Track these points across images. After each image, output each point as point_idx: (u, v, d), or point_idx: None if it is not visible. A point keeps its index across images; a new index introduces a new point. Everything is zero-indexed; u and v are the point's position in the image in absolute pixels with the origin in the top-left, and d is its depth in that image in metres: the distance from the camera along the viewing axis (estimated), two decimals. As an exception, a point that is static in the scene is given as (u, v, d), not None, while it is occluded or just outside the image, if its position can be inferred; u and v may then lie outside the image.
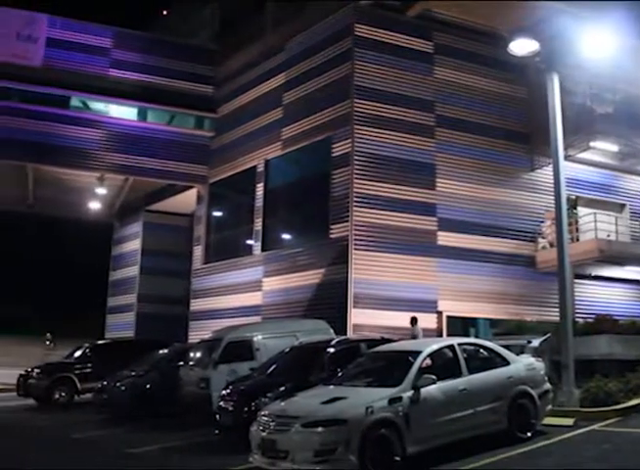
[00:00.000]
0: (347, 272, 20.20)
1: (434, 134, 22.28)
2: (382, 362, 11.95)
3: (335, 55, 22.46)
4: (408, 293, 20.76)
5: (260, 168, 25.51)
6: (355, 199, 20.73)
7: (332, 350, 13.92)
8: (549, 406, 12.08)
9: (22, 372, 22.89)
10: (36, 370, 22.56)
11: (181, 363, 17.39)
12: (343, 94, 21.78)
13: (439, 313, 21.13)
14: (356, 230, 20.54)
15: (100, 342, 26.03)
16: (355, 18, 21.98)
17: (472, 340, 14.98)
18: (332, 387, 11.02)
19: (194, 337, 26.04)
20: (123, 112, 28.65)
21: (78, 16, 28.60)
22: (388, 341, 14.39)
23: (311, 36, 23.86)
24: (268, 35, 26.32)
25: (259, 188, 25.40)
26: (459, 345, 11.53)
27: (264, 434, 9.97)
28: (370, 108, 21.49)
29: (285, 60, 25.06)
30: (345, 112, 21.59)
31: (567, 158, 16.57)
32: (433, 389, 10.33)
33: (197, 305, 27.90)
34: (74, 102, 28.04)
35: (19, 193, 32.18)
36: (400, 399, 9.98)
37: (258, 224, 25.13)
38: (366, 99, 21.49)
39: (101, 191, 29.80)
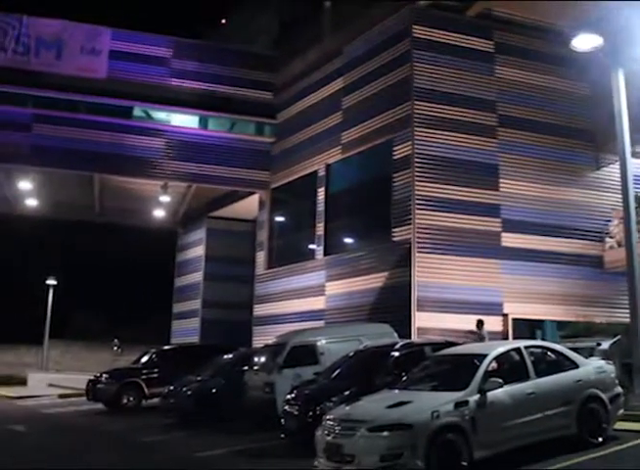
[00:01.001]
0: (410, 275, 20.04)
1: (497, 134, 21.96)
2: (447, 366, 11.82)
3: (393, 57, 22.36)
4: (472, 295, 20.48)
5: (321, 173, 25.55)
6: (417, 201, 20.59)
7: (396, 353, 13.83)
8: (620, 411, 11.74)
9: (92, 377, 23.40)
10: (105, 375, 23.03)
11: (246, 368, 17.54)
12: (403, 96, 21.65)
13: (505, 316, 20.78)
14: (419, 233, 20.38)
15: (166, 347, 26.43)
16: (413, 19, 21.84)
17: (539, 342, 14.71)
18: (397, 391, 10.95)
19: (258, 342, 26.20)
20: (185, 120, 29.07)
21: (139, 28, 29.16)
22: (453, 344, 14.21)
23: (369, 39, 23.81)
24: (326, 40, 26.37)
25: (321, 192, 25.43)
26: (526, 347, 11.32)
27: (329, 438, 9.95)
28: (430, 109, 21.31)
29: (343, 64, 25.06)
30: (405, 114, 21.47)
31: (634, 155, 16.09)
32: (499, 392, 10.16)
33: (260, 310, 28.07)
34: (137, 112, 28.59)
35: (86, 202, 32.93)
36: (467, 403, 9.85)
37: (320, 229, 25.16)
38: (426, 100, 21.34)
39: (165, 199, 30.23)
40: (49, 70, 27.23)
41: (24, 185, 29.62)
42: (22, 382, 37.26)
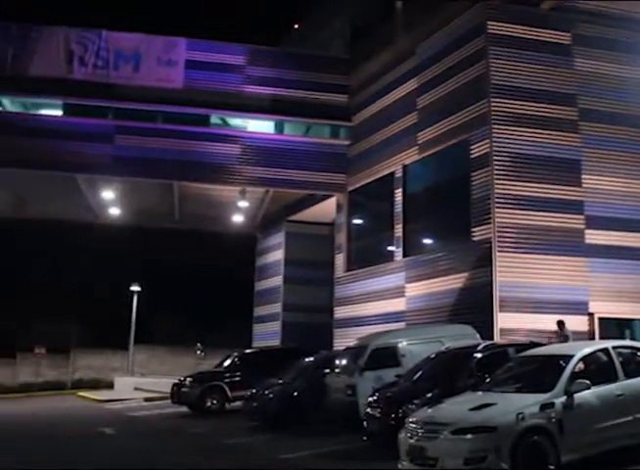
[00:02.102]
0: (492, 275, 19.69)
1: (579, 129, 21.35)
2: (531, 367, 11.56)
3: (468, 54, 22.05)
4: (557, 294, 19.96)
5: (398, 174, 25.40)
6: (497, 200, 20.22)
7: (479, 355, 13.61)
8: None
9: (176, 381, 23.86)
10: (189, 379, 23.47)
11: (327, 371, 17.56)
12: (479, 94, 21.32)
13: (591, 315, 20.17)
14: (499, 232, 20.01)
15: (248, 351, 26.74)
16: (487, 15, 21.47)
17: (628, 342, 14.25)
18: (480, 393, 10.77)
19: (338, 344, 26.22)
20: (261, 126, 29.37)
21: (214, 37, 29.63)
22: (538, 345, 13.88)
23: (442, 38, 23.54)
24: (399, 40, 26.21)
25: (398, 194, 25.28)
26: (614, 348, 10.98)
27: (412, 441, 9.87)
28: (508, 106, 20.91)
29: (417, 64, 24.85)
30: (482, 112, 21.13)
31: None
32: (587, 394, 9.88)
33: (340, 312, 28.09)
34: (214, 119, 29.04)
35: (166, 210, 33.59)
36: (552, 404, 9.62)
37: (399, 230, 25.01)
38: (503, 97, 20.95)
39: (243, 204, 30.55)
40: (128, 83, 27.97)
41: (107, 194, 30.43)
42: (110, 386, 38.40)
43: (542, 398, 9.70)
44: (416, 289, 23.29)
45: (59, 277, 46.93)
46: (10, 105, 28.59)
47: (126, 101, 27.71)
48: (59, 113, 28.47)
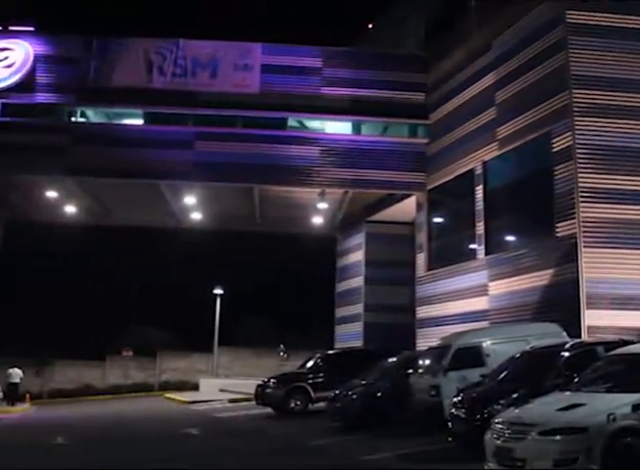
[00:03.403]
0: (578, 271, 19.14)
1: (668, 117, 20.55)
2: (622, 366, 11.14)
3: (547, 46, 21.50)
4: (649, 290, 19.26)
5: (478, 171, 24.99)
6: (581, 194, 19.66)
7: (566, 354, 13.23)
8: None
9: (260, 382, 24.09)
10: (272, 380, 23.66)
11: (410, 371, 17.42)
12: (560, 86, 20.77)
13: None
14: (585, 227, 19.45)
15: (330, 352, 26.79)
16: (566, 4, 20.92)
17: None
18: (568, 393, 10.47)
19: (421, 344, 25.99)
20: (338, 127, 29.42)
21: (287, 40, 29.82)
22: (628, 343, 13.40)
23: (518, 31, 23.03)
24: (474, 36, 25.80)
25: (479, 191, 24.88)
26: None
27: (499, 442, 9.67)
28: (590, 97, 20.31)
29: (494, 58, 24.40)
30: (564, 104, 20.58)
31: None
32: (683, 393, 9.46)
33: (422, 312, 27.83)
34: (292, 122, 29.26)
35: (247, 213, 33.97)
36: (645, 405, 9.25)
37: (480, 228, 24.60)
38: (585, 88, 20.35)
39: (322, 206, 30.66)
40: (206, 89, 28.49)
41: (189, 200, 31.04)
42: (195, 387, 39.16)
43: (634, 398, 9.35)
44: (499, 287, 22.87)
45: (144, 282, 48.11)
46: (93, 116, 29.52)
47: (205, 107, 28.24)
48: (140, 122, 29.25)
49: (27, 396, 33.58)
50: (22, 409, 30.29)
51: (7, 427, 21.87)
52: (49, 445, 16.90)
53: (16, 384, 31.85)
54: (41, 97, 28.43)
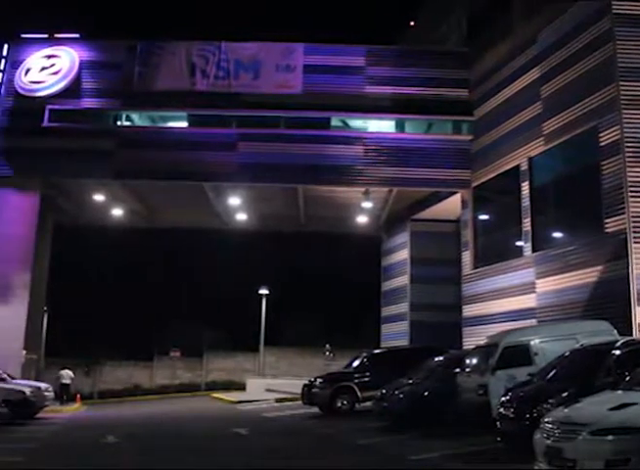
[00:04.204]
0: (628, 268, 18.76)
1: None
2: (675, 364, 10.89)
3: (593, 38, 21.12)
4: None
5: (524, 167, 24.65)
6: (631, 189, 19.25)
7: (617, 352, 12.94)
8: None
9: (306, 382, 24.11)
10: (319, 380, 23.64)
11: (457, 370, 17.25)
12: (607, 78, 20.38)
13: None
14: (635, 222, 19.05)
15: (376, 351, 26.68)
16: (612, -5, 20.55)
17: None
18: (620, 392, 10.24)
19: (468, 343, 25.76)
20: (381, 125, 29.35)
21: (328, 39, 29.82)
22: (682, 340, 13.09)
23: (563, 24, 22.66)
24: (517, 30, 25.46)
25: (525, 187, 24.53)
26: None
27: (549, 442, 9.50)
28: (638, 89, 19.89)
29: (538, 52, 24.03)
30: (611, 97, 20.18)
31: None
32: None
33: (469, 310, 27.57)
34: (335, 122, 29.29)
35: (291, 213, 34.10)
36: (702, 403, 9.00)
37: (527, 225, 24.26)
38: (633, 80, 19.93)
39: (367, 205, 30.58)
40: (248, 91, 28.68)
41: (233, 201, 31.25)
42: (242, 387, 39.36)
43: (688, 396, 9.13)
44: (547, 285, 22.53)
45: (190, 283, 48.60)
46: (138, 119, 29.86)
47: (248, 109, 28.43)
48: (184, 124, 29.53)
49: (78, 396, 34.18)
50: (74, 409, 30.81)
51: (59, 426, 22.24)
52: (99, 443, 17.12)
53: (67, 384, 32.57)
54: (87, 102, 28.94)
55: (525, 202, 24.40)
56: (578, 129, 21.60)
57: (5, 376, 23.54)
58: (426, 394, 18.00)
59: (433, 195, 31.12)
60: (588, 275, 20.39)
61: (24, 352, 28.14)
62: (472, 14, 29.54)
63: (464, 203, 29.11)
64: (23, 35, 30.13)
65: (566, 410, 10.05)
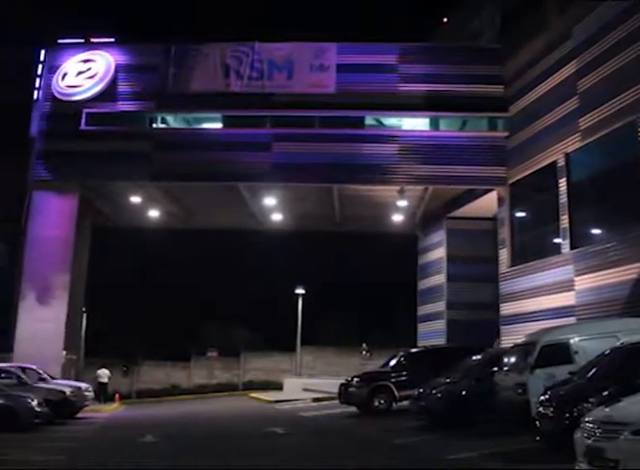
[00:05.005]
0: (669, 264, 18.46)
1: None
2: None
3: (631, 30, 20.72)
4: None
5: (561, 163, 24.34)
6: (670, 183, 18.95)
7: (660, 350, 12.74)
8: None
9: (343, 381, 24.08)
10: (356, 379, 23.60)
11: (495, 369, 17.10)
12: (647, 71, 20.06)
13: None
14: (675, 217, 18.74)
15: (413, 350, 26.58)
16: (651, -14, 20.20)
17: None
18: (662, 390, 10.05)
19: (506, 341, 25.50)
20: (416, 123, 29.24)
21: (361, 38, 29.78)
22: None
23: (600, 17, 22.28)
24: (553, 24, 25.15)
25: (562, 183, 24.22)
26: None
27: (590, 441, 9.35)
28: (678, 82, 19.56)
29: (574, 46, 23.70)
30: (649, 91, 19.87)
31: None
32: None
33: (506, 308, 27.30)
34: (369, 121, 29.28)
35: (326, 213, 34.11)
36: None
37: (565, 221, 23.95)
38: (672, 73, 19.60)
39: (402, 203, 30.47)
40: (282, 91, 28.76)
41: (269, 201, 31.36)
42: (279, 387, 39.46)
43: None
44: (586, 282, 22.22)
45: (227, 283, 48.82)
46: (173, 121, 30.11)
47: (282, 109, 28.52)
48: (219, 125, 29.73)
49: (117, 395, 34.56)
50: (112, 408, 31.16)
51: (98, 426, 22.51)
52: (138, 442, 17.27)
53: (104, 384, 33.00)
54: (123, 105, 29.25)
55: (563, 198, 24.09)
56: (616, 124, 21.25)
57: (46, 376, 23.94)
58: (463, 393, 17.88)
59: (468, 192, 30.91)
60: (628, 272, 20.07)
61: (65, 352, 28.52)
62: (505, 10, 29.25)
63: (500, 200, 28.84)
64: (60, 41, 30.56)
65: (607, 410, 9.89)
